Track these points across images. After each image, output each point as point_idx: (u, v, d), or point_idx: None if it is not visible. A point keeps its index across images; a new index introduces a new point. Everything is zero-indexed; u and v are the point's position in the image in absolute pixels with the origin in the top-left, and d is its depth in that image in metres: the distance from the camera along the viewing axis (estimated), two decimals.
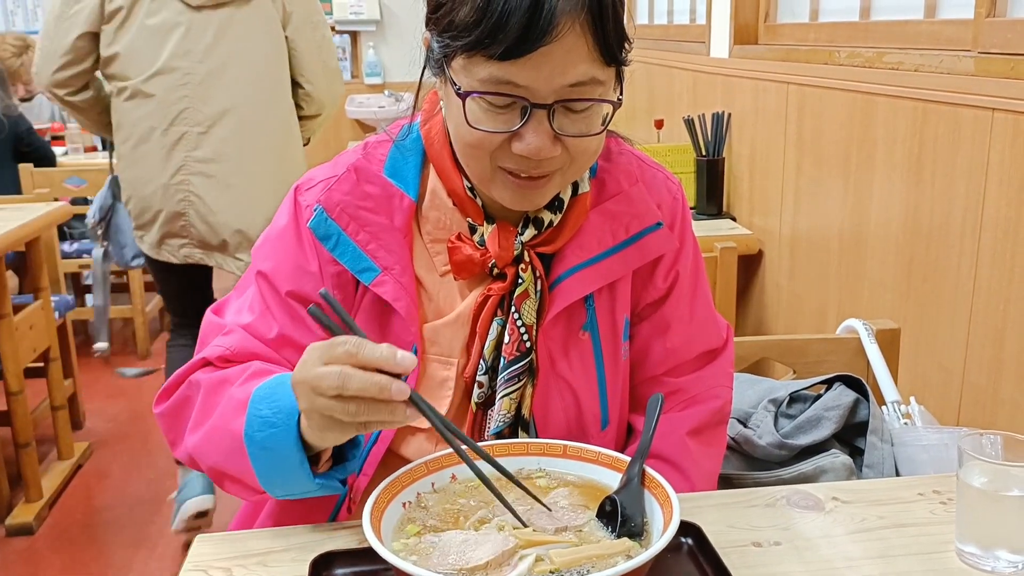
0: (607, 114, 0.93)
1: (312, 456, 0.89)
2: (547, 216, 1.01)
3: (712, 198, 2.62)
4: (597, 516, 0.83)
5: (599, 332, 1.06)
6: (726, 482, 1.37)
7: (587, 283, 1.03)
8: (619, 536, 0.79)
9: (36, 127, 4.14)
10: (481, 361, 1.01)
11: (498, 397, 1.02)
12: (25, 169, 3.68)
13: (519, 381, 1.02)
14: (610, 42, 0.87)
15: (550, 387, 1.04)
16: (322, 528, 0.97)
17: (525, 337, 1.01)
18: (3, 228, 2.56)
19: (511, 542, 0.78)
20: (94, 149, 4.59)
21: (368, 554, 0.89)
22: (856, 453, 1.38)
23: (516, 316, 1.01)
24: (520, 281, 1.01)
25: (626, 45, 0.91)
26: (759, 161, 2.48)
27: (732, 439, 1.39)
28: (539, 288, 1.02)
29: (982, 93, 1.50)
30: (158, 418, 1.03)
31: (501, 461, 0.92)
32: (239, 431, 0.89)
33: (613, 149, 1.08)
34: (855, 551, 0.91)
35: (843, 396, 1.38)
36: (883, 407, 1.43)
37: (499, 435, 1.02)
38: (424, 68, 0.98)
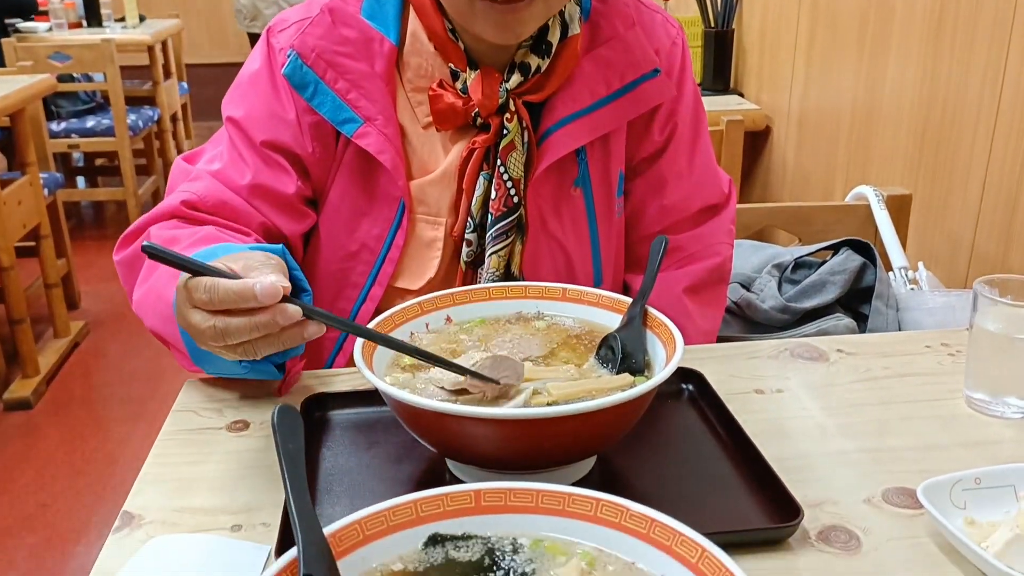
0: None
1: None
2: (534, 61, 0.95)
3: (720, 73, 2.53)
4: (597, 356, 0.80)
5: (592, 188, 1.01)
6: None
7: (578, 135, 0.97)
8: (620, 373, 0.77)
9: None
10: (469, 219, 0.97)
11: (487, 255, 0.98)
12: (8, 43, 3.56)
13: (507, 238, 0.98)
14: None
15: (540, 245, 1.00)
16: (312, 375, 0.94)
17: (512, 192, 0.97)
18: None
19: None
20: (79, 25, 4.43)
21: (362, 396, 0.88)
22: (860, 319, 1.35)
23: (502, 170, 0.96)
24: (505, 132, 0.95)
25: None
26: (770, 33, 2.38)
27: (734, 303, 1.36)
28: (526, 140, 0.97)
29: None
30: (116, 265, 0.97)
31: (499, 304, 0.89)
32: (170, 299, 0.81)
33: None
34: (859, 398, 0.89)
35: (849, 261, 1.35)
36: (890, 273, 1.40)
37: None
38: None
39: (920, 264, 1.39)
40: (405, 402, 0.67)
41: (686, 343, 0.93)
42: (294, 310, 0.68)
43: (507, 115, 0.95)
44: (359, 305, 1.01)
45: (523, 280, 1.00)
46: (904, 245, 1.47)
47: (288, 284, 0.69)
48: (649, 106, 1.00)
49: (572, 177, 1.00)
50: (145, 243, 0.67)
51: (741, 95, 2.54)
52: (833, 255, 1.39)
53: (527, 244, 0.99)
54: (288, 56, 0.94)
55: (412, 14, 0.97)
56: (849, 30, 1.96)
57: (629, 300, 0.85)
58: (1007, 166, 1.45)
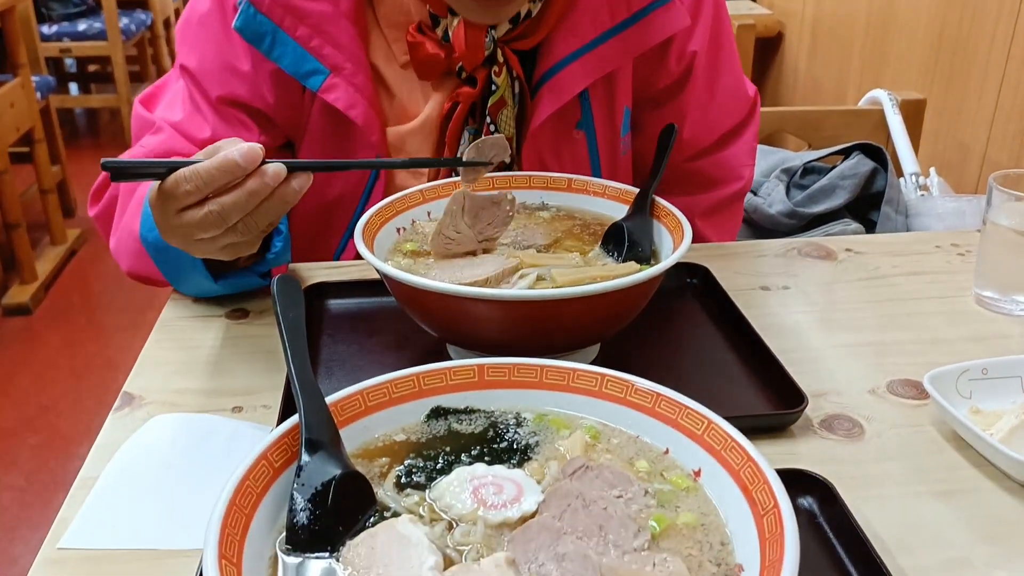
0: None
1: None
2: (524, 5, 0.85)
3: None
4: (602, 245, 0.79)
5: (595, 129, 0.93)
6: None
7: (580, 77, 0.87)
8: (626, 261, 0.75)
9: None
10: (453, 175, 0.89)
11: None
12: None
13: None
14: None
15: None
16: (316, 266, 0.93)
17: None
18: None
19: (512, 262, 0.73)
20: None
21: (363, 285, 0.87)
22: (869, 226, 1.33)
23: (492, 128, 0.89)
24: (494, 88, 0.87)
25: None
26: None
27: None
28: (518, 91, 0.88)
29: None
30: (94, 221, 0.93)
31: (502, 193, 0.87)
32: (138, 231, 0.79)
33: None
34: (866, 295, 0.88)
35: (860, 166, 1.32)
36: (901, 179, 1.37)
37: None
38: None
39: (932, 170, 1.37)
40: (407, 283, 0.66)
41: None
42: (277, 167, 0.66)
43: (495, 68, 0.87)
44: (340, 252, 0.97)
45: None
46: (917, 151, 1.44)
47: (261, 147, 0.66)
48: (660, 38, 0.89)
49: (574, 120, 0.92)
50: (105, 160, 0.63)
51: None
52: (843, 160, 1.36)
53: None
54: (239, 4, 0.84)
55: None
56: None
57: (635, 190, 0.83)
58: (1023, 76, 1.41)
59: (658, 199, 0.80)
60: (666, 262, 0.67)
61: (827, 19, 2.10)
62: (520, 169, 0.92)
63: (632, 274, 0.72)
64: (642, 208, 0.80)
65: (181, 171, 0.65)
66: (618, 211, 0.83)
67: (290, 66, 0.85)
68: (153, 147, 0.87)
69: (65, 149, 3.29)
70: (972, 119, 1.54)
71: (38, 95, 2.88)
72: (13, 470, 2.08)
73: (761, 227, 1.33)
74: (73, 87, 4.57)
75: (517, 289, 0.69)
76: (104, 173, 0.89)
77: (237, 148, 0.64)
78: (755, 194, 1.34)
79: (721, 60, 0.99)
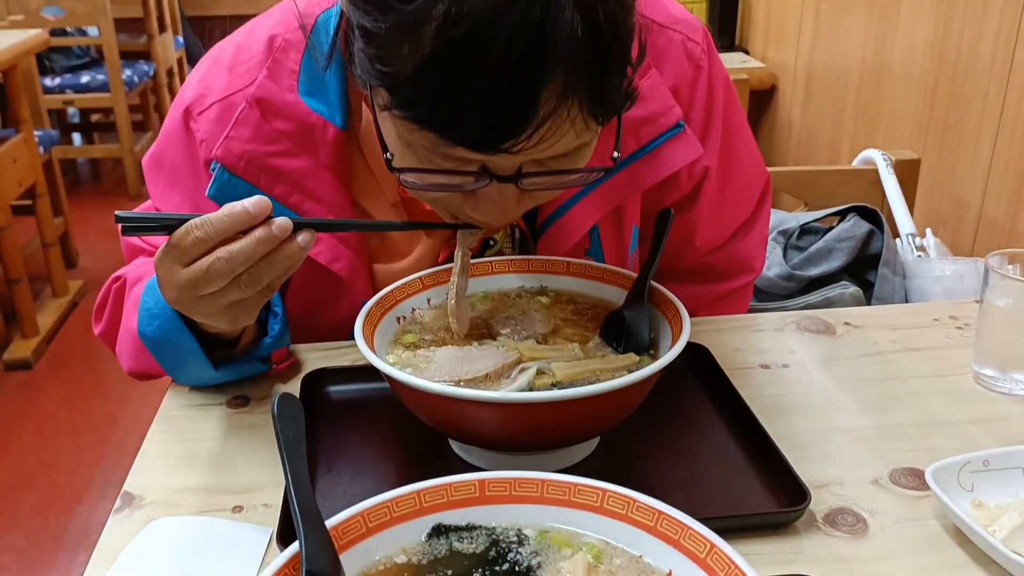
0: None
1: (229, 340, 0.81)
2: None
3: (725, 29, 2.48)
4: (602, 334, 0.79)
5: (604, 255, 0.91)
6: None
7: (588, 215, 0.84)
8: (625, 352, 0.76)
9: None
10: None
11: None
12: None
13: None
14: (609, 102, 0.64)
15: None
16: (315, 347, 0.93)
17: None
18: None
19: (512, 355, 0.74)
20: None
21: (362, 371, 0.87)
22: (867, 287, 1.34)
23: None
24: (492, 243, 0.85)
25: (628, 92, 0.67)
26: None
27: None
28: (518, 237, 0.86)
29: None
30: (101, 339, 0.93)
31: (501, 278, 0.87)
32: (136, 328, 0.79)
33: None
34: (866, 373, 0.88)
35: (857, 227, 1.33)
36: (897, 240, 1.38)
37: None
38: None
39: (928, 231, 1.38)
40: (407, 384, 0.66)
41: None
42: (284, 220, 0.66)
43: None
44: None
45: None
46: (912, 209, 1.45)
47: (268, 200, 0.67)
48: (671, 170, 0.85)
49: (582, 250, 0.89)
50: (118, 213, 0.65)
51: (746, 52, 2.50)
52: (840, 221, 1.37)
53: None
54: (212, 170, 0.81)
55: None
56: None
57: (633, 275, 0.83)
58: (1018, 130, 1.42)
59: (656, 286, 0.80)
60: (663, 359, 0.67)
61: (820, 72, 2.12)
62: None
63: (631, 368, 0.72)
64: (641, 294, 0.80)
65: (192, 220, 0.66)
66: (617, 295, 0.83)
67: None
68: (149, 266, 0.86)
69: (67, 198, 3.31)
70: (968, 175, 1.55)
71: (41, 149, 2.91)
72: (13, 529, 2.07)
73: (759, 289, 1.33)
74: (76, 137, 4.61)
75: (516, 391, 0.69)
76: (103, 291, 0.92)
77: (246, 200, 0.66)
78: None
79: (733, 165, 0.96)
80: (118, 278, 0.92)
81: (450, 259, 0.81)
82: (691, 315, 0.75)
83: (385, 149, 0.69)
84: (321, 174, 0.82)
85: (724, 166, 0.95)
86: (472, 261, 0.87)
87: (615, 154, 0.71)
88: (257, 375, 0.87)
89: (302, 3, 0.83)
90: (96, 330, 0.93)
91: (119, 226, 0.67)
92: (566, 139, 0.63)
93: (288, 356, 0.90)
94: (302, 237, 0.67)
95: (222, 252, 0.65)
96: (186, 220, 0.66)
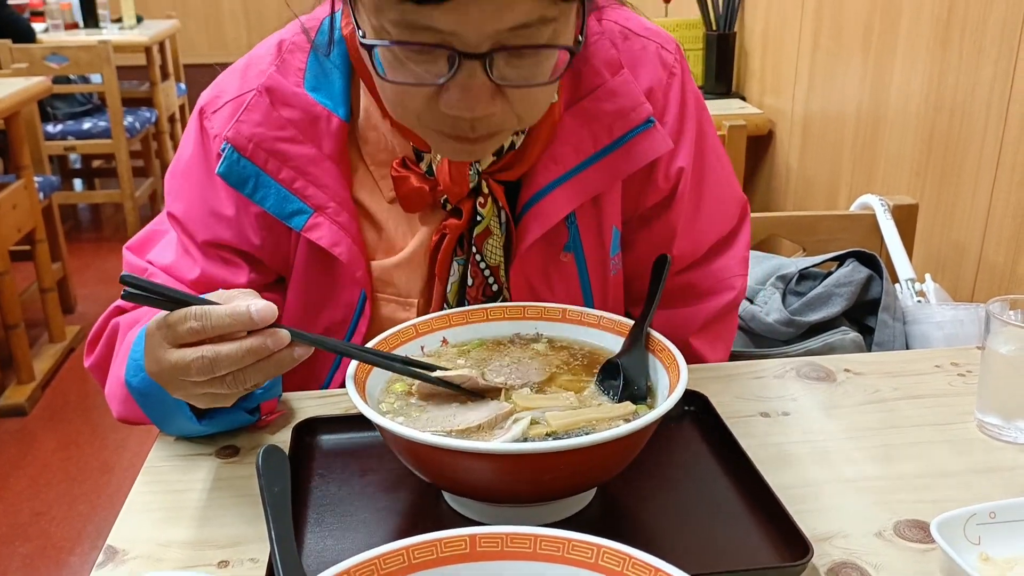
0: (565, 59, 0.73)
1: None
2: (505, 139, 0.84)
3: (722, 76, 2.50)
4: (598, 382, 0.78)
5: (584, 251, 0.92)
6: (730, 359, 1.32)
7: (565, 202, 0.87)
8: (621, 401, 0.74)
9: (14, 2, 3.95)
10: (444, 304, 0.91)
11: None
12: (2, 45, 3.52)
13: None
14: None
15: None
16: (307, 396, 0.92)
17: (491, 280, 0.90)
18: None
19: (505, 406, 0.72)
20: (75, 26, 4.40)
21: (354, 420, 0.85)
22: (866, 332, 1.32)
23: (478, 257, 0.89)
24: (479, 218, 0.87)
25: None
26: (773, 36, 2.35)
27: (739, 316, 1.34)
28: (504, 220, 0.88)
29: None
30: (89, 371, 0.93)
31: (497, 324, 0.86)
32: (123, 376, 0.79)
33: (592, 27, 0.88)
34: (868, 421, 0.86)
35: (856, 273, 1.32)
36: (896, 285, 1.37)
37: None
38: None
39: (927, 276, 1.37)
40: (398, 435, 0.65)
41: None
42: (284, 333, 0.67)
43: (480, 199, 0.87)
44: (329, 378, 0.96)
45: None
46: (910, 254, 1.44)
47: (276, 307, 0.67)
48: (644, 162, 0.89)
49: (562, 243, 0.91)
50: (124, 274, 0.64)
51: (743, 99, 2.52)
52: (838, 266, 1.36)
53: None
54: (222, 150, 0.85)
55: (364, 91, 0.88)
56: (854, 33, 1.93)
57: (630, 322, 0.82)
58: (1016, 174, 1.42)
59: (653, 333, 0.79)
60: (660, 409, 0.66)
61: (817, 117, 2.14)
62: (509, 294, 0.92)
63: (628, 417, 0.71)
64: (637, 341, 0.79)
65: (192, 307, 0.65)
66: (613, 342, 0.82)
67: (273, 207, 0.85)
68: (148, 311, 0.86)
69: (67, 243, 3.31)
70: (966, 220, 1.55)
71: (41, 195, 2.92)
72: None
73: (759, 335, 1.32)
74: (77, 182, 4.64)
75: (510, 439, 0.67)
76: (100, 323, 0.91)
77: (254, 303, 0.66)
78: (751, 302, 1.34)
79: (707, 173, 0.98)
80: (119, 310, 0.91)
81: (441, 244, 0.86)
82: (684, 343, 0.74)
83: (364, 36, 0.72)
84: (324, 163, 0.85)
85: (699, 172, 0.97)
86: (468, 308, 0.86)
87: (579, 38, 0.74)
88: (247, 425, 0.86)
89: (305, 16, 0.89)
90: (86, 362, 0.93)
91: (123, 289, 0.66)
92: (524, 4, 0.66)
93: (278, 408, 0.88)
94: (299, 350, 0.68)
95: (208, 351, 0.65)
96: (191, 302, 0.66)
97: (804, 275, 1.38)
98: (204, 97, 0.90)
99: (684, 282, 1.01)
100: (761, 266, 1.41)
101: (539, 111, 0.79)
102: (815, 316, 1.29)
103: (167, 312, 0.67)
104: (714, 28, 2.49)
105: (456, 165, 0.85)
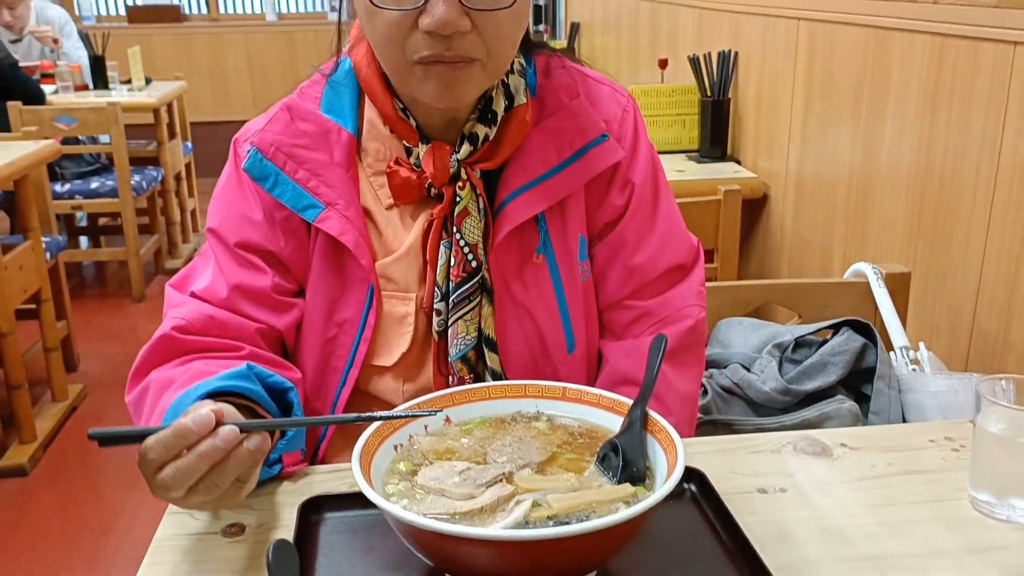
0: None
1: None
2: (482, 131, 0.98)
3: (717, 140, 2.56)
4: (597, 462, 0.79)
5: (554, 254, 1.03)
6: (728, 428, 1.34)
7: (533, 204, 0.99)
8: (621, 482, 0.76)
9: (25, 65, 4.03)
10: (436, 289, 1.00)
11: (450, 321, 1.00)
12: (13, 107, 3.59)
13: (471, 302, 1.00)
14: None
15: (507, 312, 1.02)
16: (314, 470, 0.93)
17: (470, 257, 0.99)
18: None
19: (507, 488, 0.74)
20: (85, 88, 4.49)
21: (359, 498, 0.87)
22: (862, 399, 1.34)
23: (458, 236, 0.99)
24: (458, 199, 0.98)
25: None
26: (766, 102, 2.41)
27: (735, 384, 1.36)
28: (481, 206, 0.99)
29: (1004, 26, 1.44)
30: (127, 404, 1.00)
31: (498, 403, 0.88)
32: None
33: (553, 66, 1.05)
34: (864, 498, 0.88)
35: (850, 341, 1.35)
36: (891, 353, 1.39)
37: (463, 359, 1.01)
38: (340, 29, 1.03)
39: (921, 344, 1.39)
40: (402, 520, 0.66)
41: (667, 412, 0.93)
42: (228, 429, 0.73)
43: (459, 183, 0.98)
44: (340, 388, 1.02)
45: (497, 350, 1.01)
46: (904, 319, 1.46)
47: (220, 408, 0.74)
48: (600, 168, 1.02)
49: (534, 245, 1.02)
50: (91, 431, 0.72)
51: (738, 162, 2.57)
52: (833, 334, 1.38)
53: (496, 310, 1.01)
54: (248, 152, 0.99)
55: (368, 103, 1.02)
56: (844, 99, 1.99)
57: (628, 401, 0.84)
58: (1006, 241, 1.46)
59: (651, 413, 0.81)
60: (659, 493, 0.68)
61: (810, 181, 2.18)
62: (490, 278, 1.01)
63: (628, 499, 0.72)
64: (635, 422, 0.81)
65: (149, 439, 0.73)
66: (612, 421, 0.84)
67: (290, 201, 0.98)
68: (182, 316, 0.97)
69: (71, 300, 3.34)
70: (958, 286, 1.58)
71: (47, 255, 2.96)
72: None
73: (756, 404, 1.34)
74: (83, 240, 4.69)
75: (512, 522, 0.69)
76: (140, 356, 0.98)
77: (191, 415, 0.72)
78: (748, 370, 1.36)
79: (659, 205, 1.09)
80: (167, 338, 0.96)
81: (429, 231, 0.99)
82: (652, 371, 0.82)
83: None
84: (335, 167, 0.99)
85: (652, 197, 1.08)
86: (470, 387, 0.89)
87: None
88: (254, 497, 0.87)
89: (324, 65, 1.06)
90: (127, 396, 1.00)
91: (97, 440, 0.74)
92: None
93: (300, 459, 0.92)
94: (251, 442, 0.74)
95: (170, 469, 0.73)
96: (152, 432, 0.73)
97: (800, 343, 1.40)
98: (237, 134, 1.04)
99: (645, 310, 1.08)
100: (757, 334, 1.43)
101: (503, 46, 0.91)
102: (811, 385, 1.31)
103: (138, 447, 0.74)
104: (709, 94, 2.55)
105: (439, 155, 0.97)
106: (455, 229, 0.99)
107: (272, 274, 1.00)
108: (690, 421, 1.10)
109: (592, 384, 1.08)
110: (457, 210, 0.98)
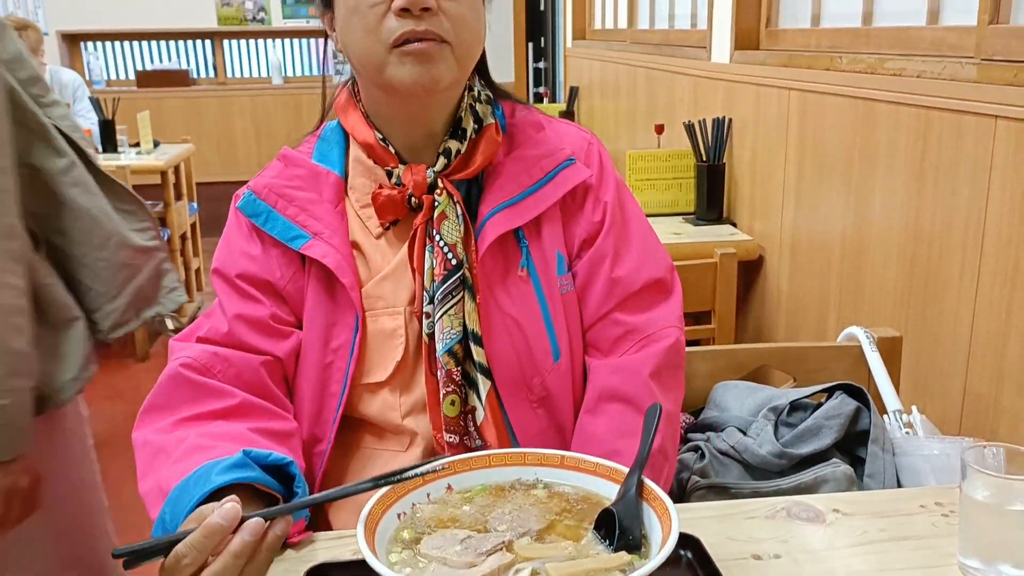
0: None
1: None
2: (455, 146, 1.09)
3: (713, 203, 2.62)
4: (595, 530, 0.82)
5: (535, 268, 1.11)
6: (724, 491, 1.36)
7: (509, 220, 1.08)
8: (617, 550, 0.78)
9: None
10: (424, 293, 1.07)
11: (437, 317, 1.06)
12: None
13: (453, 297, 1.06)
14: None
15: (491, 313, 1.08)
16: (320, 536, 0.96)
17: (450, 256, 1.06)
18: None
19: (507, 556, 0.76)
20: (94, 151, 4.57)
21: (363, 565, 0.88)
22: (857, 462, 1.36)
23: (438, 237, 1.06)
24: (436, 204, 1.07)
25: None
26: (760, 167, 2.47)
27: (732, 447, 1.38)
28: (459, 212, 1.08)
29: (985, 100, 1.49)
30: (133, 441, 1.04)
31: (499, 471, 0.91)
32: (154, 518, 0.92)
33: (517, 109, 1.17)
34: (857, 564, 0.90)
35: (844, 405, 1.37)
36: (884, 416, 1.42)
37: (450, 353, 1.05)
38: (324, 61, 1.18)
39: (914, 408, 1.42)
40: None
41: (658, 426, 0.95)
42: (255, 523, 0.78)
43: (437, 191, 1.08)
44: (337, 411, 1.08)
45: (482, 344, 1.07)
46: (897, 383, 1.49)
47: (238, 505, 0.78)
48: (569, 187, 1.11)
49: (518, 259, 1.11)
50: (115, 550, 0.75)
51: (734, 224, 2.62)
52: (828, 398, 1.41)
53: (480, 307, 1.07)
54: (244, 195, 1.10)
55: (353, 145, 1.13)
56: (835, 166, 2.04)
57: (624, 469, 0.87)
58: (994, 308, 1.49)
59: (647, 481, 0.84)
60: (652, 564, 0.70)
61: (804, 244, 2.23)
62: (472, 276, 1.07)
63: (623, 569, 0.75)
64: (631, 490, 0.83)
65: (178, 547, 0.76)
66: (607, 488, 0.87)
67: (280, 234, 1.07)
68: (190, 355, 1.04)
69: None
70: (949, 351, 1.61)
71: None
72: None
73: (752, 467, 1.36)
74: None
75: None
76: (150, 401, 1.03)
77: (217, 511, 0.76)
78: (745, 434, 1.39)
79: (631, 222, 1.17)
80: (188, 366, 1.04)
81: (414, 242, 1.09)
82: (644, 381, 0.95)
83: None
84: (323, 204, 1.09)
85: (622, 213, 1.16)
86: (471, 455, 0.91)
87: None
88: None
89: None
90: (134, 432, 1.04)
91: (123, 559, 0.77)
92: None
93: (305, 528, 0.95)
94: (278, 527, 0.80)
95: (207, 572, 0.76)
96: (177, 539, 0.76)
97: (795, 406, 1.43)
98: (239, 189, 1.13)
99: (631, 327, 1.14)
100: (753, 397, 1.46)
101: (467, 31, 1.02)
102: (807, 449, 1.33)
103: (163, 561, 0.77)
104: (704, 159, 2.61)
105: (416, 169, 1.07)
106: (435, 232, 1.07)
107: (270, 304, 1.08)
108: (674, 437, 1.16)
109: (579, 397, 1.13)
110: (436, 214, 1.07)
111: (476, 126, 1.10)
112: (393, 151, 1.09)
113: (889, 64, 1.81)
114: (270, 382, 1.07)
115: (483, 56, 1.14)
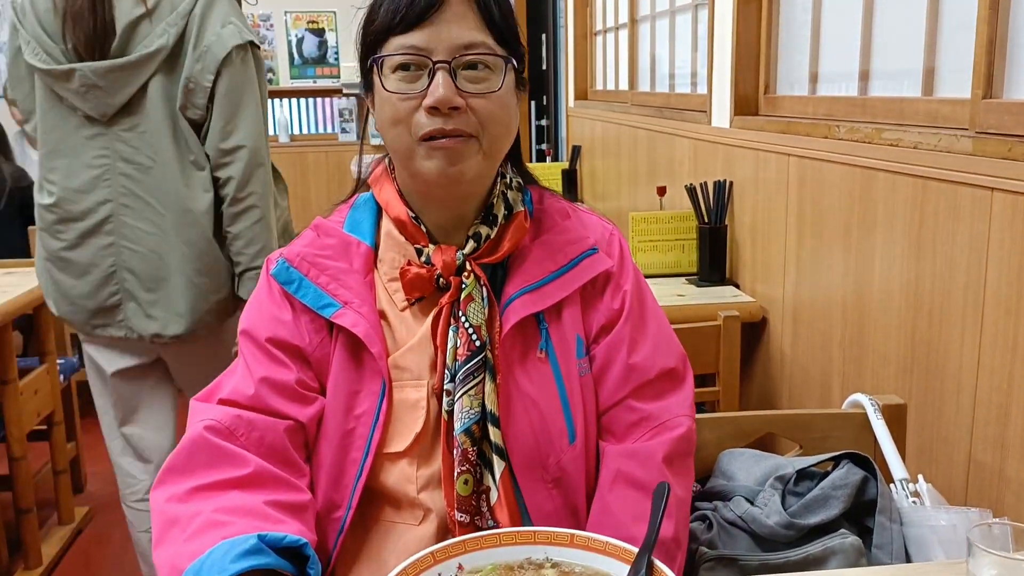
0: (514, 84, 1.09)
1: None
2: (484, 231, 1.13)
3: (715, 265, 2.65)
4: None
5: (555, 351, 1.13)
6: (733, 563, 1.36)
7: (533, 304, 1.12)
8: None
9: None
10: (446, 371, 1.09)
11: (457, 397, 1.08)
12: (33, 232, 3.71)
13: (474, 378, 1.08)
14: (494, 16, 1.05)
15: (511, 394, 1.09)
16: None
17: (474, 337, 1.09)
18: (11, 293, 2.58)
19: None
20: None
21: None
22: (865, 532, 1.36)
23: (463, 319, 1.09)
24: (464, 287, 1.10)
25: (513, 27, 1.09)
26: (761, 230, 2.51)
27: (739, 517, 1.38)
28: (485, 295, 1.11)
29: (980, 172, 1.53)
30: (151, 501, 1.04)
31: (509, 550, 0.92)
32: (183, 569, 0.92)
33: (545, 196, 1.23)
34: None
35: (851, 474, 1.38)
36: (891, 484, 1.42)
37: (467, 432, 1.07)
38: (362, 140, 1.28)
39: (920, 477, 1.42)
40: None
41: (669, 512, 0.99)
42: None
43: (465, 273, 1.11)
44: (357, 479, 1.09)
45: (499, 425, 1.09)
46: (902, 450, 1.50)
47: None
48: (591, 275, 1.16)
49: (537, 342, 1.13)
50: None
51: (737, 286, 2.65)
52: (834, 467, 1.42)
53: (500, 389, 1.09)
54: (278, 262, 1.13)
55: (385, 220, 1.16)
56: (834, 233, 2.07)
57: (634, 549, 0.88)
58: (995, 378, 1.51)
59: (656, 562, 0.85)
60: None
61: (806, 308, 2.25)
62: (493, 358, 1.10)
63: None
64: (640, 570, 0.84)
65: None
66: (617, 568, 0.88)
67: (312, 301, 1.10)
68: (213, 417, 1.06)
69: (80, 418, 3.37)
70: (953, 419, 1.62)
71: (61, 377, 3.01)
72: None
73: (760, 537, 1.36)
74: None
75: None
76: (175, 456, 1.03)
77: None
78: (752, 503, 1.39)
79: (648, 313, 1.21)
80: (212, 429, 1.04)
81: (439, 320, 1.12)
82: (659, 468, 0.98)
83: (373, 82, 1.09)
84: (353, 274, 1.13)
85: (640, 305, 1.20)
86: (482, 534, 0.92)
87: (513, 61, 1.09)
88: None
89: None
90: (154, 491, 1.03)
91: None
92: (472, 32, 1.04)
93: None
94: None
95: None
96: None
97: (802, 475, 1.43)
98: (270, 255, 1.18)
99: (646, 414, 1.16)
100: (759, 466, 1.47)
101: (495, 126, 1.06)
102: (814, 519, 1.33)
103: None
104: (706, 221, 2.65)
105: (446, 250, 1.11)
106: (461, 313, 1.09)
107: (297, 369, 1.10)
108: (685, 522, 1.18)
109: (592, 479, 1.15)
110: (463, 295, 1.10)
111: (506, 212, 1.14)
112: (425, 230, 1.13)
113: (886, 134, 1.85)
114: (291, 447, 1.08)
115: (516, 143, 1.18)
